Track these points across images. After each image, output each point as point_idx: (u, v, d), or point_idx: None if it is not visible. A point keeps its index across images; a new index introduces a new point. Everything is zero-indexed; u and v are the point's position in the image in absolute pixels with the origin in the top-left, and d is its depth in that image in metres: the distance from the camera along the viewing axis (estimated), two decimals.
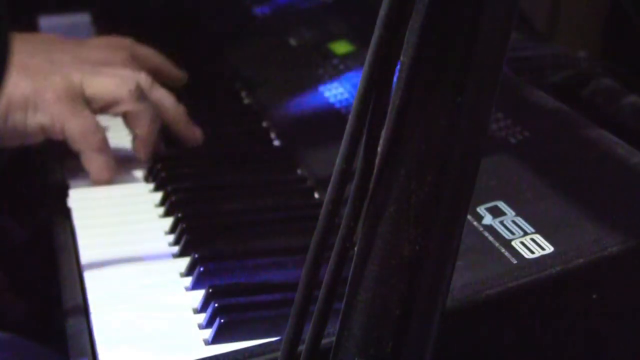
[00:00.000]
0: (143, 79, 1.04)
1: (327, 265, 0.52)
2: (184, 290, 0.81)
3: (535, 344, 0.70)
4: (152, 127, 1.01)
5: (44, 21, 1.48)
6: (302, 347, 0.54)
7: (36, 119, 0.97)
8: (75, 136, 0.98)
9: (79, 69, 1.01)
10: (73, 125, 0.98)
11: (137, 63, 1.14)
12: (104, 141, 1.00)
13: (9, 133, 0.98)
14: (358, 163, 0.50)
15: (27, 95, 0.97)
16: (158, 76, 1.16)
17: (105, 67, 1.04)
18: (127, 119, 1.02)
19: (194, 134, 1.07)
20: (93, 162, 0.99)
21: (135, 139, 1.02)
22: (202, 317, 0.77)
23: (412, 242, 0.50)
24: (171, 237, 0.89)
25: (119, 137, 1.07)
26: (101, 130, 1.00)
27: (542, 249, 0.71)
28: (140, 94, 1.00)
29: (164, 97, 1.05)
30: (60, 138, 1.01)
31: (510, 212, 0.76)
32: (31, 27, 1.44)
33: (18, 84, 0.97)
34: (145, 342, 0.74)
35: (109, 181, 1.00)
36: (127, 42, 1.17)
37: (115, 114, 1.02)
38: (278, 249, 0.86)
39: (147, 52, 1.17)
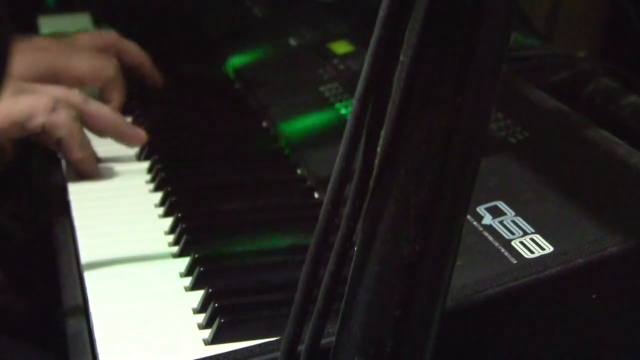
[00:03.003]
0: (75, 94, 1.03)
1: (327, 265, 0.52)
2: (183, 290, 0.81)
3: (535, 344, 0.70)
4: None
5: (44, 21, 1.48)
6: (302, 347, 0.54)
7: None
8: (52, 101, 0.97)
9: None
10: (27, 102, 0.97)
11: (122, 58, 1.17)
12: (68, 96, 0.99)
13: None
14: (358, 163, 0.50)
15: None
16: (137, 73, 1.18)
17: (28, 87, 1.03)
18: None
19: (136, 137, 1.06)
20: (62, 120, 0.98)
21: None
22: (202, 317, 0.77)
23: (412, 242, 0.50)
24: (171, 237, 0.89)
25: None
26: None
27: (542, 249, 0.71)
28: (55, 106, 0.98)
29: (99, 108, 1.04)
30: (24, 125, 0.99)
31: (510, 212, 0.76)
32: (31, 27, 1.44)
33: None
34: (145, 342, 0.74)
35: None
36: (113, 36, 1.19)
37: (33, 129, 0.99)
38: (278, 249, 0.86)
39: (132, 48, 1.19)
